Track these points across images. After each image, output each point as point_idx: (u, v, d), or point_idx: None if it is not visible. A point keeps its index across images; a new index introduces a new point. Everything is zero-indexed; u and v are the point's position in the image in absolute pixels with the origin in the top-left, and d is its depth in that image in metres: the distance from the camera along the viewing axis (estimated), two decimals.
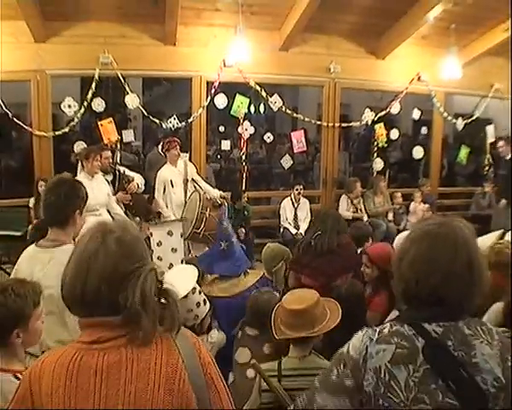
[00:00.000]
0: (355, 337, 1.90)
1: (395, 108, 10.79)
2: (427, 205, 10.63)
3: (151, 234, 4.67)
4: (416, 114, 11.29)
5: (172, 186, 7.97)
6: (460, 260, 1.82)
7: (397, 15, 9.32)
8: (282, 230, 9.75)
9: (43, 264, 3.09)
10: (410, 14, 9.19)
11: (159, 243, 4.64)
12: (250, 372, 3.62)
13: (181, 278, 3.95)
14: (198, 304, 3.96)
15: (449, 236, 1.87)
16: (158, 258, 4.65)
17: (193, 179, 8.16)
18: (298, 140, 10.20)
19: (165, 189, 7.96)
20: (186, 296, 3.83)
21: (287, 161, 10.52)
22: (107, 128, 8.86)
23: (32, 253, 3.25)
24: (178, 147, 8.07)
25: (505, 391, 1.73)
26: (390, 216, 10.45)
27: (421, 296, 1.84)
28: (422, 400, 1.70)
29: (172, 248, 4.60)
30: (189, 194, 7.92)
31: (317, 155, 11.98)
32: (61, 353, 1.74)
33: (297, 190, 9.79)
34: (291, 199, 9.85)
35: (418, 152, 11.43)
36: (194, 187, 8.08)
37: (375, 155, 10.88)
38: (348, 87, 10.63)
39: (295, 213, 9.79)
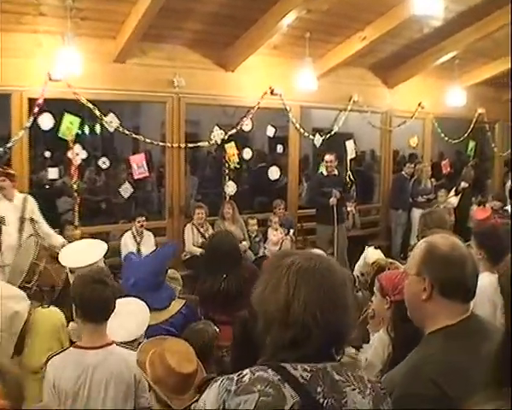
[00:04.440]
0: (211, 390, 1.75)
1: (247, 125, 10.30)
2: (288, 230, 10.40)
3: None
4: (271, 131, 10.89)
5: (4, 224, 7.09)
6: (327, 300, 1.76)
7: (246, 24, 8.94)
8: None
9: None
10: (260, 23, 8.86)
11: None
12: None
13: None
14: None
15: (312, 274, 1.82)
16: None
17: (32, 219, 7.21)
18: (138, 165, 9.36)
19: None
20: None
21: (126, 190, 9.53)
22: None
23: None
24: (13, 179, 7.32)
25: None
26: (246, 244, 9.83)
27: (285, 338, 1.75)
28: None
29: None
30: (25, 236, 7.03)
31: (163, 180, 11.37)
32: None
33: (139, 222, 9.06)
34: (133, 233, 9.10)
35: (274, 172, 10.90)
36: (34, 229, 7.19)
37: (227, 177, 10.29)
38: (194, 103, 9.98)
39: (138, 249, 8.98)
